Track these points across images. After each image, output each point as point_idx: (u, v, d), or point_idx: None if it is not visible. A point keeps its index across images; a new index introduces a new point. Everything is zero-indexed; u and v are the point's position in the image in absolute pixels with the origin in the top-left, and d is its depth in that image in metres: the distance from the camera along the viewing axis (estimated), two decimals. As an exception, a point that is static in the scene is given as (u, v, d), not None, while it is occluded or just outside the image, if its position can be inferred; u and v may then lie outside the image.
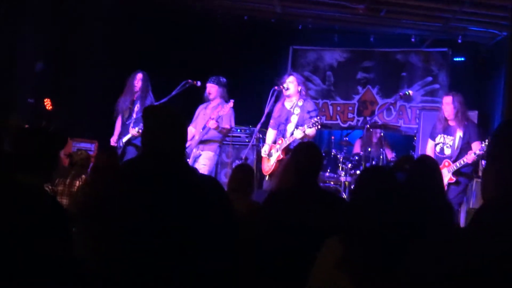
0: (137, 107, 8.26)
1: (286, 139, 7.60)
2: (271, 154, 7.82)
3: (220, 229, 2.84)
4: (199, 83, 8.25)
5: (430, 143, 7.76)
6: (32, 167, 3.02)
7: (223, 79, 8.27)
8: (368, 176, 3.17)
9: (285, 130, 7.76)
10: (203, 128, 7.93)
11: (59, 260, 2.74)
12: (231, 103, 7.86)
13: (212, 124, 7.72)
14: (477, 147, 7.14)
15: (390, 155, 9.53)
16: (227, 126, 8.01)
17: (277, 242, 3.74)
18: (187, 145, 7.72)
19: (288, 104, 7.83)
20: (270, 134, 8.01)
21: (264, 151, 7.91)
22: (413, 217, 2.95)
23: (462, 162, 7.22)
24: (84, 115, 10.06)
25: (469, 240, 2.02)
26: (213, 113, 7.92)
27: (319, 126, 7.36)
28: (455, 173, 7.28)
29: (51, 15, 9.11)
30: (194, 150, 7.95)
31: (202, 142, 7.96)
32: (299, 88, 7.79)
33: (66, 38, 9.49)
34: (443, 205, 4.03)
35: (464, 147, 7.29)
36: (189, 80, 8.17)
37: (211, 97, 8.20)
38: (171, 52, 10.84)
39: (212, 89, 8.19)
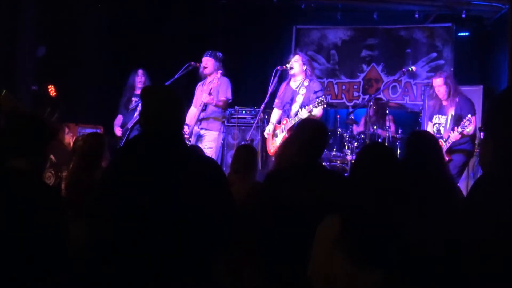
0: None
1: (291, 119, 7.56)
2: (276, 135, 7.79)
3: (217, 208, 2.84)
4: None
5: (430, 125, 7.73)
6: (23, 153, 3.01)
7: (219, 54, 8.16)
8: (366, 153, 3.16)
9: (290, 110, 7.72)
10: (201, 105, 7.89)
11: (52, 244, 2.75)
12: (218, 74, 7.78)
13: (205, 97, 7.69)
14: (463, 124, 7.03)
15: (394, 132, 9.49)
16: (223, 98, 7.93)
17: (278, 221, 3.73)
18: (188, 123, 7.75)
19: (293, 84, 7.79)
20: (275, 113, 7.97)
21: (268, 130, 7.88)
22: (412, 192, 2.93)
23: (450, 142, 7.18)
24: (89, 100, 10.07)
25: (468, 211, 2.02)
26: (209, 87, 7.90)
27: (325, 105, 7.32)
28: (448, 151, 7.24)
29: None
30: (195, 127, 7.86)
31: (204, 119, 7.91)
32: (304, 67, 7.73)
33: (67, 22, 9.46)
34: (443, 177, 4.01)
35: (457, 124, 7.17)
36: (192, 63, 8.11)
37: (206, 71, 8.07)
38: (173, 35, 10.80)
39: (208, 62, 8.07)
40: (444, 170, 4.20)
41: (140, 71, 8.70)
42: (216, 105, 7.86)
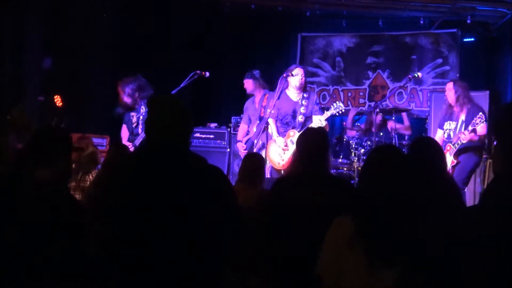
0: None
1: (297, 129, 7.58)
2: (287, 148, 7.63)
3: (222, 218, 2.85)
4: (207, 74, 8.22)
5: (439, 132, 7.79)
6: (47, 164, 3.09)
7: (256, 72, 8.73)
8: (377, 153, 3.16)
9: (294, 122, 7.71)
10: (260, 119, 8.24)
11: (72, 254, 2.80)
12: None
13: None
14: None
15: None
16: None
17: (284, 225, 3.75)
18: (245, 138, 8.32)
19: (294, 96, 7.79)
20: (273, 126, 7.89)
21: (282, 141, 7.70)
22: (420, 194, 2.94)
23: (459, 143, 7.30)
24: (95, 110, 10.10)
25: (479, 214, 2.04)
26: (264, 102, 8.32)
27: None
28: (456, 154, 7.32)
29: (56, 10, 9.10)
30: (255, 141, 8.01)
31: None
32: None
33: (73, 32, 9.51)
34: (446, 184, 4.00)
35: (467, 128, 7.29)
36: (198, 71, 8.12)
37: (248, 91, 8.70)
38: (179, 44, 10.84)
39: (247, 84, 8.71)
40: (445, 176, 4.21)
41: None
42: None
